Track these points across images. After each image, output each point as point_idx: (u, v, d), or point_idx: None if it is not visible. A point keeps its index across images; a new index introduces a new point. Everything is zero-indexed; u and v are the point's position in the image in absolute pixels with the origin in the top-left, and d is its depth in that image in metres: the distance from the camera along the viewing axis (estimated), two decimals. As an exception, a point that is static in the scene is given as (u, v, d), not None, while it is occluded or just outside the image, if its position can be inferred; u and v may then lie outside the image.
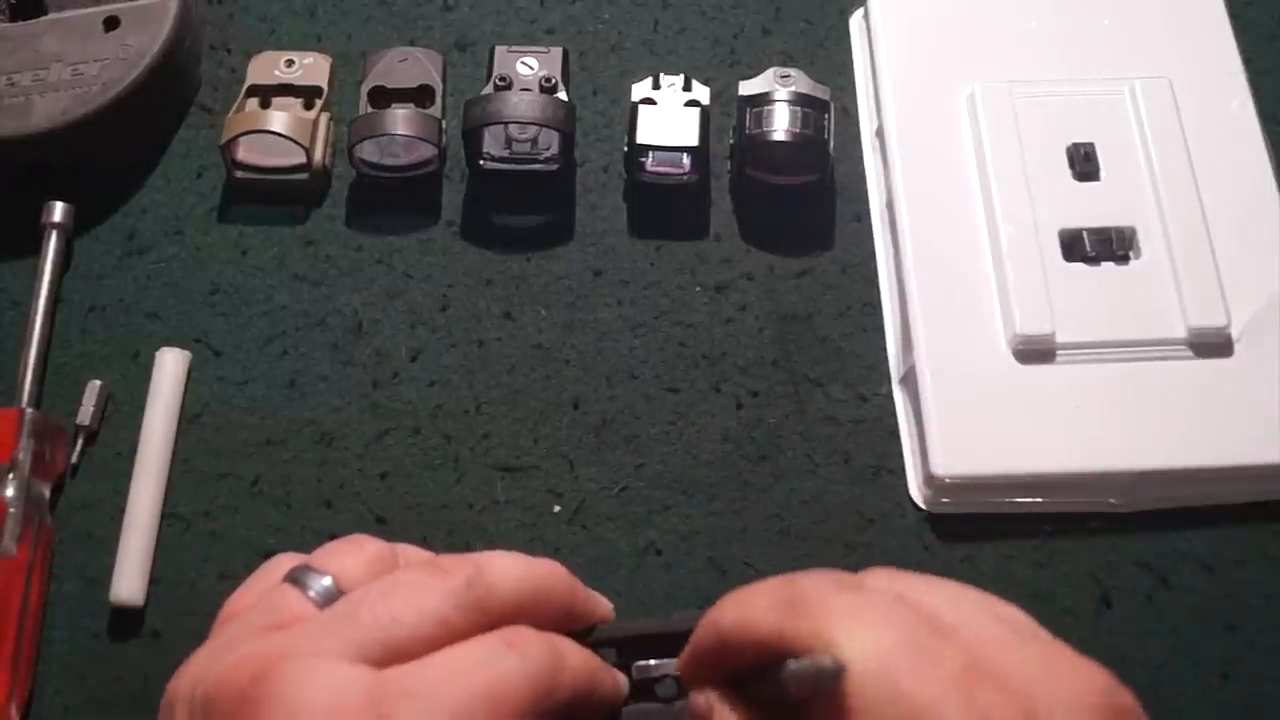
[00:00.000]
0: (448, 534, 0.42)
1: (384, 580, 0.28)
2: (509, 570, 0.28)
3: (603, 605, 0.31)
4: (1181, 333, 0.43)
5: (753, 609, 0.26)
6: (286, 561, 0.30)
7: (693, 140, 0.47)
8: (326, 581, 0.29)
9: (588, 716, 0.29)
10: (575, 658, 0.28)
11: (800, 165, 0.48)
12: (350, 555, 0.30)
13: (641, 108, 0.47)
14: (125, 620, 0.41)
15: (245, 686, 0.25)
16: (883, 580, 0.27)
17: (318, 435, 0.44)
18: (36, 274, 0.46)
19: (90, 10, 0.49)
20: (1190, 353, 0.43)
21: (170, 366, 0.45)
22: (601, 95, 0.51)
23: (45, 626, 0.41)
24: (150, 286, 0.47)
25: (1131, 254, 0.45)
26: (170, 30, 0.49)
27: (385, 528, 0.42)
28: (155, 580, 0.42)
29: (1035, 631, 0.27)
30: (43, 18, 0.49)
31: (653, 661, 0.30)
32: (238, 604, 0.30)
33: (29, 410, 0.43)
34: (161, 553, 0.42)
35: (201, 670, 0.28)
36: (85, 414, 0.44)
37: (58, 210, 0.47)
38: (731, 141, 0.49)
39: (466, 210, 0.49)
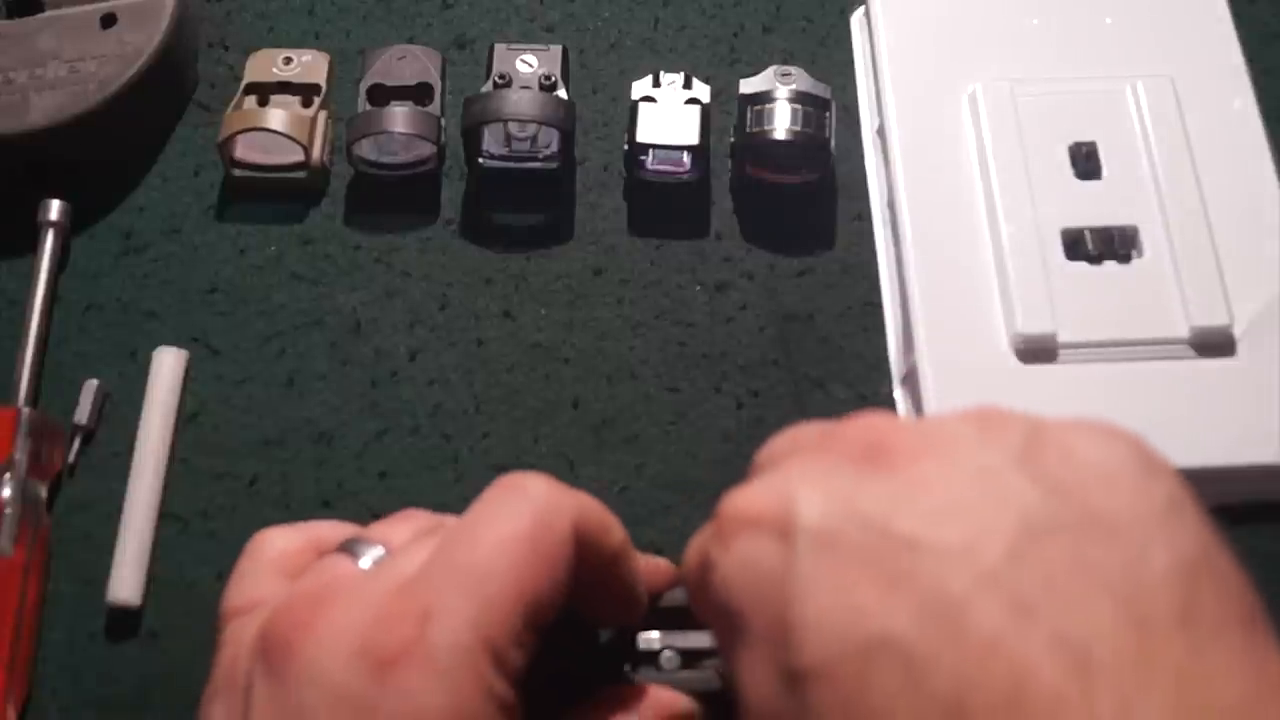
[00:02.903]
0: (447, 534, 0.42)
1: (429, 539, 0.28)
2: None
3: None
4: (1184, 332, 0.43)
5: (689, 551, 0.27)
6: (274, 537, 0.30)
7: (693, 139, 0.47)
8: (378, 551, 0.29)
9: (613, 604, 0.29)
10: (580, 496, 0.28)
11: (801, 164, 0.48)
12: (400, 526, 0.30)
13: (641, 106, 0.47)
14: (123, 620, 0.41)
15: (290, 626, 0.26)
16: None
17: (316, 434, 0.44)
18: (33, 273, 0.46)
19: (87, 8, 0.49)
20: (1192, 352, 0.43)
21: (168, 365, 0.45)
22: (601, 93, 0.51)
23: (42, 626, 0.41)
24: (147, 285, 0.47)
25: (1134, 253, 0.45)
26: (167, 28, 0.49)
27: (384, 528, 0.42)
28: (153, 580, 0.41)
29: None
30: (39, 15, 0.49)
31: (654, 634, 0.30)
32: (239, 596, 0.30)
33: (26, 409, 0.42)
34: (159, 552, 0.42)
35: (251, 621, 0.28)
36: (82, 413, 0.44)
37: (54, 208, 0.47)
38: (732, 140, 0.49)
39: (465, 209, 0.49)
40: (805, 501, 0.23)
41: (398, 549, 0.29)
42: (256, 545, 0.31)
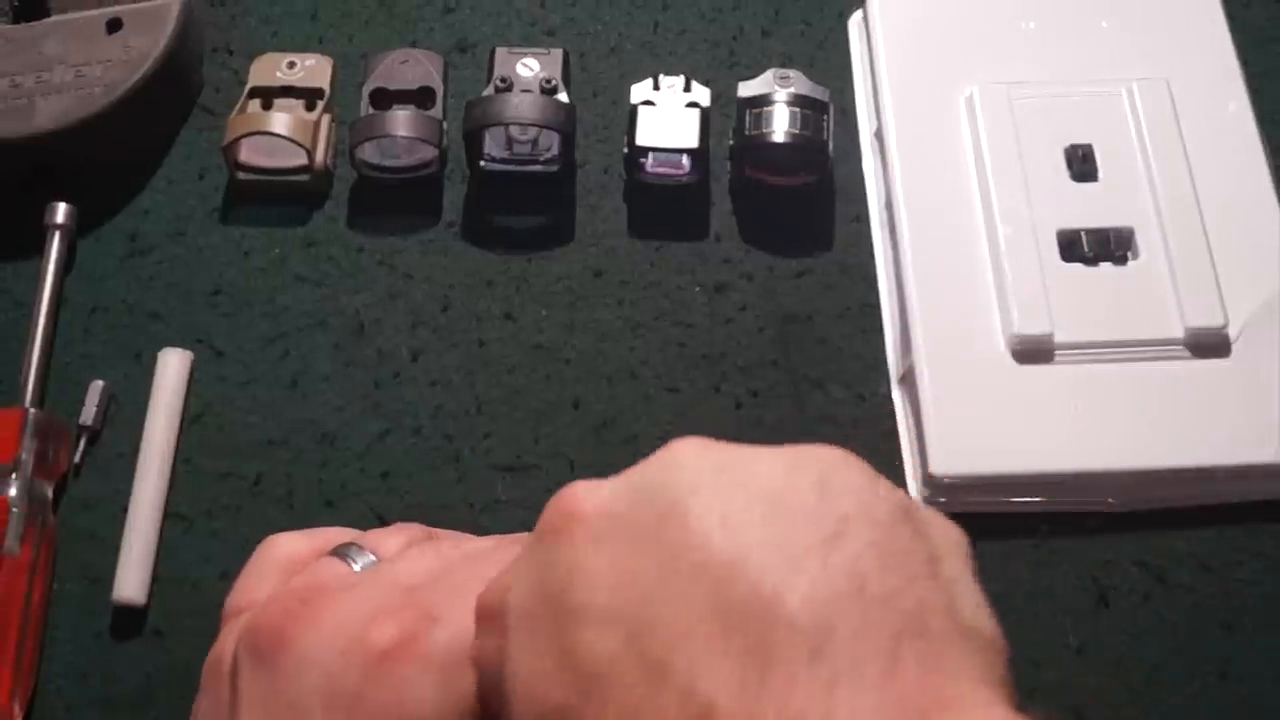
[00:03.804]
0: (449, 533, 0.43)
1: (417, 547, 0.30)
2: None
3: None
4: (1179, 333, 0.43)
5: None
6: (283, 542, 0.31)
7: (693, 142, 0.47)
8: (369, 558, 0.30)
9: None
10: None
11: (799, 166, 0.48)
12: (393, 537, 0.31)
13: (641, 109, 0.47)
14: (128, 619, 0.41)
15: (283, 616, 0.27)
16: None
17: (319, 435, 0.44)
18: (39, 275, 0.46)
19: (93, 12, 0.49)
20: (1188, 353, 0.43)
21: (172, 367, 0.45)
22: (602, 97, 0.51)
23: (48, 625, 0.41)
24: (153, 287, 0.47)
25: (1129, 254, 0.45)
26: (172, 32, 0.49)
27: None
28: (157, 579, 0.42)
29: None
30: (46, 19, 0.49)
31: None
32: (242, 596, 0.30)
33: (32, 410, 0.43)
34: (164, 552, 0.42)
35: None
36: (88, 414, 0.44)
37: (60, 211, 0.47)
38: (731, 143, 0.49)
39: (467, 211, 0.49)
40: (515, 585, 0.24)
41: (390, 556, 0.30)
42: (265, 549, 0.31)
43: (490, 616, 0.25)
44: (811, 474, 0.22)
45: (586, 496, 0.24)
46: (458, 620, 0.26)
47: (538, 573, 0.23)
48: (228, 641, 0.28)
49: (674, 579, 0.21)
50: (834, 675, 0.19)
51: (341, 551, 0.30)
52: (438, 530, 0.33)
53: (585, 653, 0.21)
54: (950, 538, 0.23)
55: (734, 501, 0.22)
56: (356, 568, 0.29)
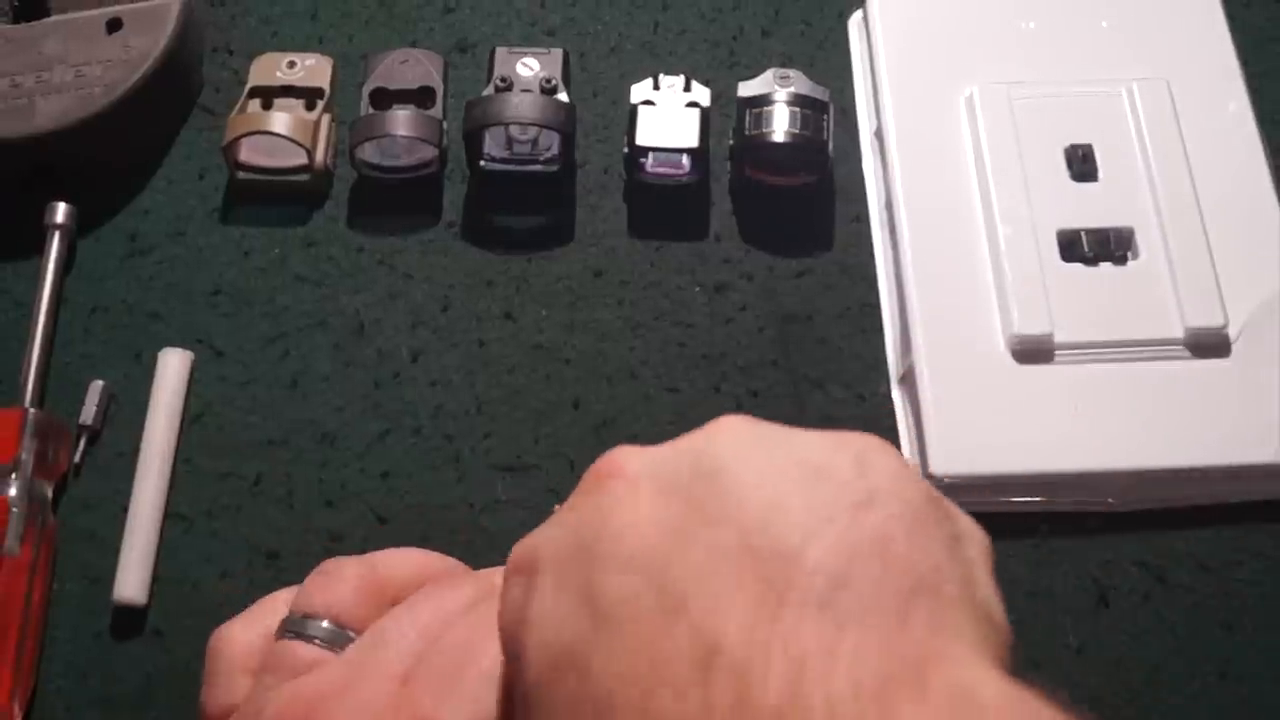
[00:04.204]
0: (449, 533, 0.43)
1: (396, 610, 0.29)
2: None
3: None
4: (1179, 333, 0.43)
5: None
6: (232, 636, 0.31)
7: (693, 142, 0.47)
8: (325, 625, 0.29)
9: None
10: None
11: (799, 166, 0.48)
12: (334, 588, 0.30)
13: (641, 109, 0.47)
14: (128, 619, 0.41)
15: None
16: None
17: (319, 435, 0.44)
18: (39, 275, 0.46)
19: (93, 12, 0.49)
20: (1188, 353, 0.43)
21: (173, 367, 0.45)
22: (602, 97, 0.51)
23: (48, 625, 0.41)
24: (153, 287, 0.47)
25: (1129, 254, 0.45)
26: (172, 32, 0.49)
27: (386, 527, 0.43)
28: (157, 579, 0.42)
29: None
30: (46, 19, 0.49)
31: None
32: (214, 704, 0.30)
33: (32, 410, 0.43)
34: (164, 552, 0.42)
35: None
36: (88, 414, 0.44)
37: (60, 211, 0.47)
38: (731, 142, 0.49)
39: (467, 211, 0.49)
40: (549, 535, 0.24)
41: (347, 617, 0.29)
42: (216, 648, 0.31)
43: (520, 569, 0.25)
44: (850, 453, 0.23)
45: (630, 458, 0.24)
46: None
47: (573, 523, 0.24)
48: None
49: (704, 527, 0.22)
50: (844, 619, 0.20)
51: (296, 629, 0.29)
52: (375, 556, 0.32)
53: (606, 592, 0.22)
54: (975, 532, 0.24)
55: (773, 465, 0.23)
56: (322, 644, 0.29)
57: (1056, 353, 0.43)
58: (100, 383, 0.45)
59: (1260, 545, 0.42)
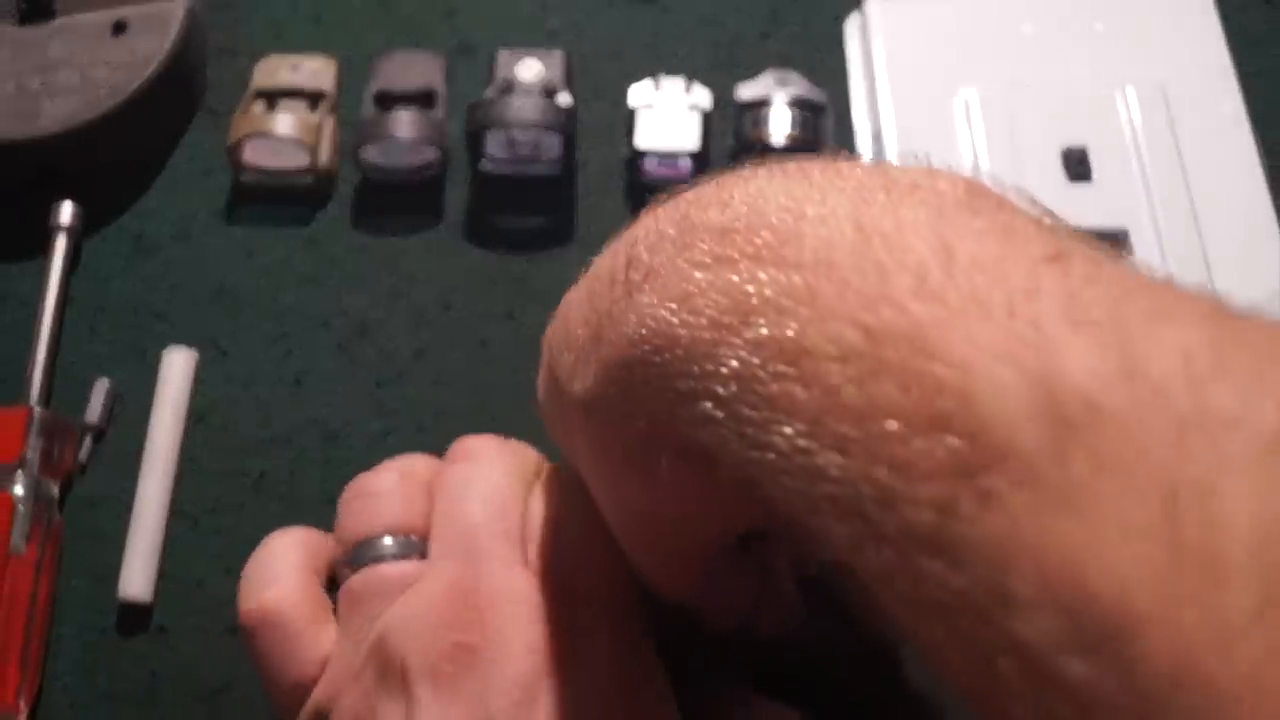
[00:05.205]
0: (451, 531, 0.43)
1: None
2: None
3: None
4: (1173, 333, 0.43)
5: None
6: (289, 548, 0.30)
7: (693, 144, 0.47)
8: (388, 541, 0.28)
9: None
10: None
11: (798, 168, 0.48)
12: (379, 504, 0.29)
13: (641, 111, 0.48)
14: (133, 616, 0.42)
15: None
16: None
17: (323, 433, 0.45)
18: (45, 275, 0.47)
19: (99, 15, 0.50)
20: (1182, 353, 0.43)
21: (177, 366, 0.45)
22: (603, 99, 0.52)
23: (54, 622, 0.41)
24: (158, 287, 0.48)
25: (1124, 256, 0.45)
26: (177, 35, 0.49)
27: (389, 525, 0.43)
28: (163, 576, 0.42)
29: None
30: (52, 22, 0.50)
31: None
32: (281, 598, 0.29)
33: (38, 409, 0.43)
34: (169, 549, 0.43)
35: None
36: (93, 413, 0.44)
37: (66, 212, 0.48)
38: (729, 144, 0.49)
39: (469, 212, 0.49)
40: None
41: (411, 525, 0.29)
42: (277, 610, 0.29)
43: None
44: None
45: None
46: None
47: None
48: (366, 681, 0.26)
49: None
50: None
51: (363, 557, 0.28)
52: (384, 466, 0.31)
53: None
54: None
55: None
56: (398, 558, 0.28)
57: (1052, 352, 0.43)
58: (105, 382, 0.45)
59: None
